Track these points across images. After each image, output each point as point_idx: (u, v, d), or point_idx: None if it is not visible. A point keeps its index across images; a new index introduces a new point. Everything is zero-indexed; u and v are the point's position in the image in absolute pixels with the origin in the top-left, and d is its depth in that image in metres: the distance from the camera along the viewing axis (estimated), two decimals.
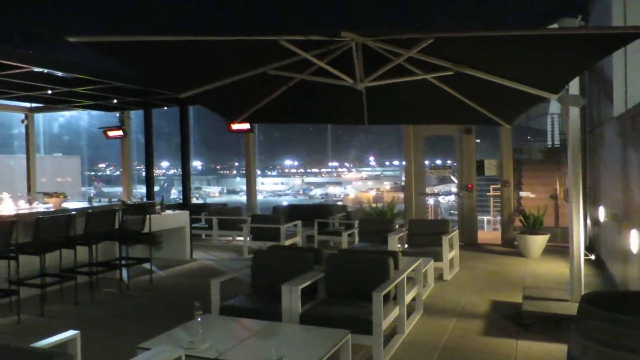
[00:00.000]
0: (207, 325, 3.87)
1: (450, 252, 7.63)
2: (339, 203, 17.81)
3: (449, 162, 12.28)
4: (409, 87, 4.78)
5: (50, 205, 7.23)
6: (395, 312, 4.76)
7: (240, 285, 6.19)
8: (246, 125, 9.73)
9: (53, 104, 9.90)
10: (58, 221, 6.26)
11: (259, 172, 12.62)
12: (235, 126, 9.86)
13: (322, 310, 4.52)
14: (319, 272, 4.96)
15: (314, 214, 10.49)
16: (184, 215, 9.10)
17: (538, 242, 8.88)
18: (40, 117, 12.70)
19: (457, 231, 8.27)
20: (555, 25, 5.31)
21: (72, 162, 17.09)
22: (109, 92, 8.11)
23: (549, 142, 11.91)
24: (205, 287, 6.83)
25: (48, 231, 6.08)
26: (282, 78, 5.04)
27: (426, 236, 7.88)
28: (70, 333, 3.31)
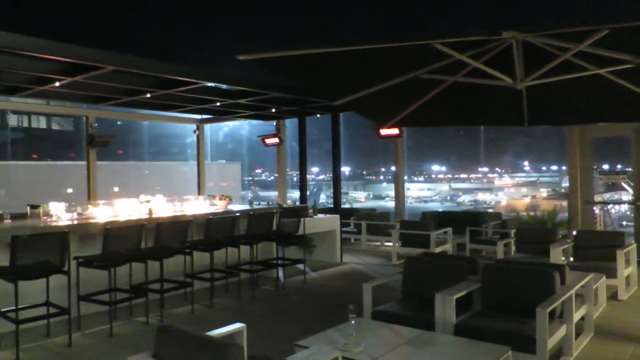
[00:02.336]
0: (360, 328, 3.91)
1: (627, 268, 6.76)
2: (490, 210, 16.86)
3: (619, 166, 10.91)
4: (577, 83, 4.36)
5: (218, 207, 7.96)
6: (561, 332, 4.34)
7: (390, 291, 6.17)
8: (395, 131, 9.72)
9: (220, 115, 10.93)
10: (225, 222, 6.87)
11: (405, 177, 12.52)
12: (385, 131, 9.90)
13: (479, 322, 4.29)
14: (474, 282, 4.73)
15: (464, 221, 10.08)
16: (334, 219, 9.38)
17: None
18: (208, 128, 14.09)
19: (634, 245, 7.29)
20: None
21: (233, 168, 18.69)
22: (268, 102, 8.70)
23: None
24: (355, 290, 6.95)
25: (216, 231, 6.70)
26: (434, 81, 4.94)
27: (596, 249, 7.07)
28: (237, 325, 3.58)
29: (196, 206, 7.87)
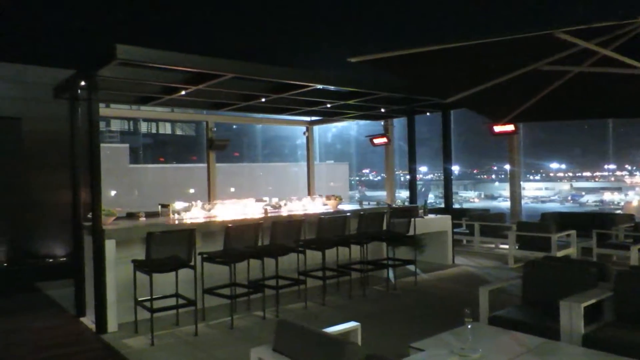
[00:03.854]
0: (477, 333, 3.77)
1: None
2: (618, 212, 15.37)
3: None
4: None
5: (328, 206, 8.12)
6: None
7: (506, 295, 5.88)
8: (510, 127, 9.21)
9: (329, 116, 11.12)
10: (336, 221, 6.99)
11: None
12: (498, 128, 9.43)
13: (612, 334, 3.94)
14: (605, 290, 4.35)
15: (590, 224, 9.29)
16: (445, 220, 9.14)
17: None
18: (317, 129, 14.41)
19: None
20: None
21: (341, 168, 18.96)
22: (377, 102, 8.70)
23: None
24: (468, 293, 6.73)
25: (328, 230, 6.84)
26: (555, 73, 4.63)
27: None
28: (352, 324, 3.63)
29: (307, 206, 8.09)
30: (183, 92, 6.95)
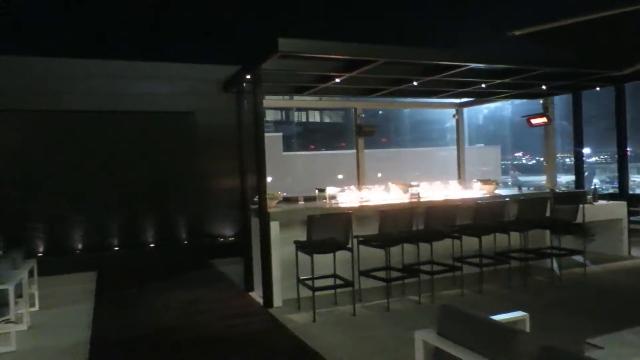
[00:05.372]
0: None
1: None
2: None
3: None
4: None
5: (484, 191, 7.78)
6: None
7: None
8: None
9: (481, 97, 10.61)
10: (494, 207, 6.68)
11: None
12: None
13: None
14: None
15: None
16: (620, 207, 8.19)
17: None
18: (466, 111, 13.85)
19: None
20: None
21: (492, 152, 17.99)
22: (536, 79, 8.07)
23: None
24: None
25: (485, 216, 6.57)
26: None
27: None
28: (519, 313, 3.45)
29: (461, 191, 7.84)
30: (337, 80, 7.15)
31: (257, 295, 6.63)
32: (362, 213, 6.63)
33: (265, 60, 5.73)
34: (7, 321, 3.77)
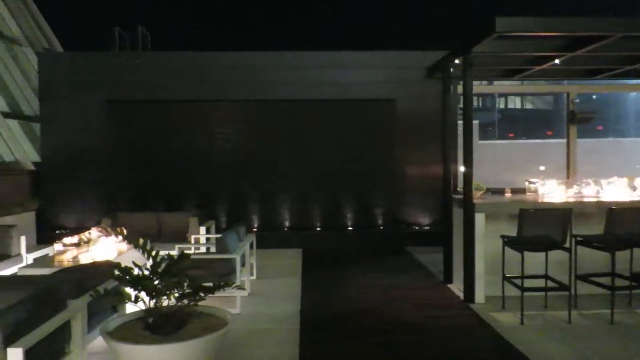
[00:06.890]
0: None
1: None
2: None
3: None
4: None
5: None
6: None
7: None
8: None
9: None
10: None
11: None
12: None
13: None
14: None
15: None
16: None
17: None
18: None
19: None
20: None
21: None
22: None
23: None
24: None
25: None
26: None
27: None
28: None
29: None
30: (557, 61, 6.45)
31: (456, 288, 6.41)
32: (583, 209, 5.89)
33: (479, 42, 5.41)
34: (237, 287, 4.24)
